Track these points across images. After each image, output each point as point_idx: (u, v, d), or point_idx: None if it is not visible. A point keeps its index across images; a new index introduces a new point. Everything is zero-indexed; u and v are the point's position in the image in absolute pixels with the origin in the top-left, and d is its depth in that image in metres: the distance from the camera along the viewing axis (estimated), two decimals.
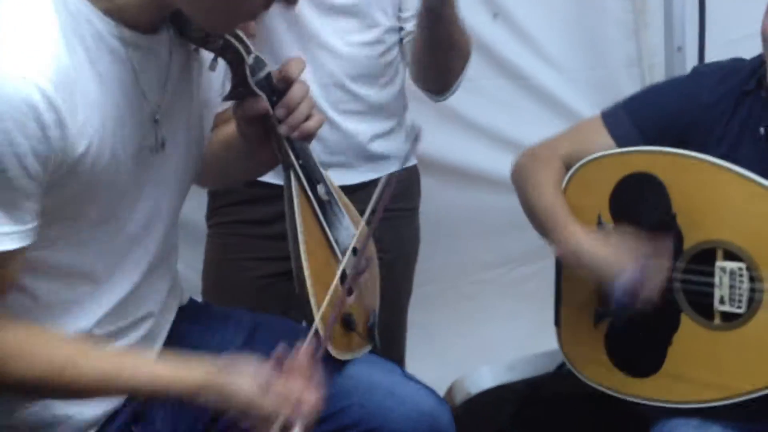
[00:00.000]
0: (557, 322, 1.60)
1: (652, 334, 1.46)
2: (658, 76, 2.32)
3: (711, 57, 2.09)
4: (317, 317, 1.15)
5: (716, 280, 1.40)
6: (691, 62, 2.19)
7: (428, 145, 2.14)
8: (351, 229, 1.26)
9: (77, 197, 1.04)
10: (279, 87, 1.17)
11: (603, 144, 1.53)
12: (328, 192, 1.25)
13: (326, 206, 1.24)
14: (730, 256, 1.40)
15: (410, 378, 1.31)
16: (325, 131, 1.48)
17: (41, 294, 1.08)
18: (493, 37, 2.26)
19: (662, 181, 1.45)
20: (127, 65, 1.06)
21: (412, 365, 1.84)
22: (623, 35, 2.43)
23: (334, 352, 1.21)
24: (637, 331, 1.47)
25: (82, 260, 1.09)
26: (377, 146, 1.67)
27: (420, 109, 1.82)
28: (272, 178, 1.49)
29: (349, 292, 1.25)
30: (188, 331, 1.29)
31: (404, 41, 1.66)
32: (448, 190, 2.14)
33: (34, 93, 0.93)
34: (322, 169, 1.25)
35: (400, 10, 1.63)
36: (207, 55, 1.17)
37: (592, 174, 1.53)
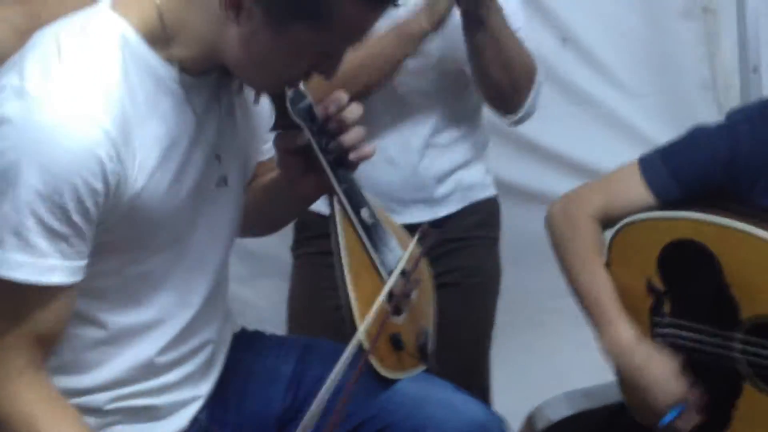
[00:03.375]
0: None
1: (714, 401, 1.44)
2: (734, 98, 2.28)
3: None
4: (361, 329, 1.17)
5: None
6: (767, 83, 2.15)
7: (502, 171, 2.16)
8: (398, 251, 1.27)
9: (137, 231, 1.07)
10: (332, 128, 1.19)
11: (639, 197, 1.49)
12: (373, 215, 1.26)
13: (371, 229, 1.25)
14: None
15: (461, 391, 1.30)
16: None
17: (108, 322, 1.11)
18: (562, 63, 2.26)
19: (711, 251, 1.41)
20: (187, 108, 1.09)
21: (490, 393, 1.84)
22: (696, 58, 2.41)
23: (383, 371, 1.22)
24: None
25: (140, 290, 1.12)
26: (461, 176, 1.68)
27: (491, 134, 1.82)
28: None
29: (398, 312, 1.26)
30: (243, 357, 1.32)
31: None
32: (519, 217, 2.12)
33: (96, 132, 0.97)
34: (365, 194, 1.27)
35: None
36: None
37: (636, 236, 1.50)
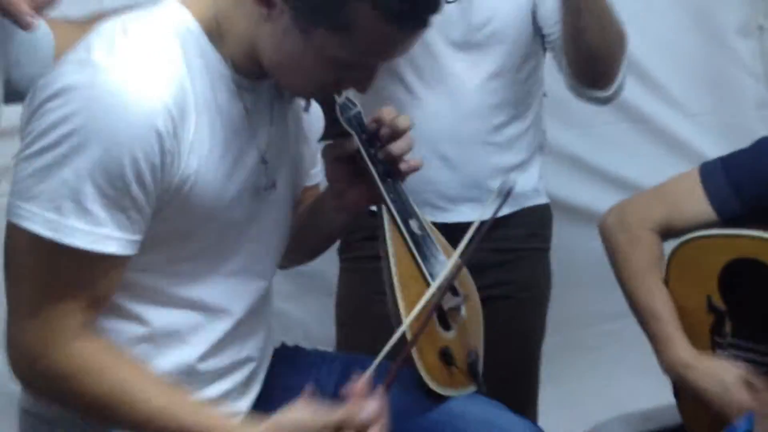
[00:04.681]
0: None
1: None
2: None
3: None
4: (406, 321, 1.15)
5: None
6: None
7: (556, 189, 2.14)
8: (447, 264, 1.26)
9: (188, 221, 1.08)
10: (384, 134, 1.21)
11: (698, 208, 1.45)
12: (421, 227, 1.26)
13: (419, 240, 1.24)
14: None
15: (509, 410, 1.27)
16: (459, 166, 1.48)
17: (152, 320, 1.10)
18: None
19: None
20: (241, 107, 1.12)
21: (544, 419, 1.80)
22: (752, 77, 2.37)
23: (433, 385, 1.21)
24: None
25: (188, 291, 1.12)
26: (515, 178, 1.62)
27: (551, 156, 1.80)
28: None
29: (446, 327, 1.25)
30: (283, 373, 1.31)
31: (549, 47, 1.61)
32: (573, 236, 2.10)
33: (157, 104, 0.99)
34: (414, 206, 1.27)
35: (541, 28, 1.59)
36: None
37: (696, 253, 1.47)
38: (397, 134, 1.21)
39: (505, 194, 1.25)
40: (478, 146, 1.59)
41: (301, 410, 1.05)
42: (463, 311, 1.29)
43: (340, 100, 1.19)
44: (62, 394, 1.04)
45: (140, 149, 0.98)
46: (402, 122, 1.21)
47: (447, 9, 1.49)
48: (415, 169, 1.24)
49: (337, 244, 1.75)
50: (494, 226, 1.57)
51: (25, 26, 0.95)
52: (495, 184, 1.59)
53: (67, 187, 0.98)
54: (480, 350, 1.32)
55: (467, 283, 1.33)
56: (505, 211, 1.62)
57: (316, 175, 1.37)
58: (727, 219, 1.44)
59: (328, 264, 1.79)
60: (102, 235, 1.00)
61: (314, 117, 1.27)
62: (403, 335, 1.16)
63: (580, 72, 1.54)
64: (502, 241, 1.63)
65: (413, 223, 1.25)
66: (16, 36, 1.06)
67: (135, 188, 1.00)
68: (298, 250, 1.37)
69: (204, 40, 1.08)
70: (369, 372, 1.09)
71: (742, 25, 2.36)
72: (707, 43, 2.33)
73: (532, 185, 1.68)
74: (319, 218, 1.33)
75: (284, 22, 1.04)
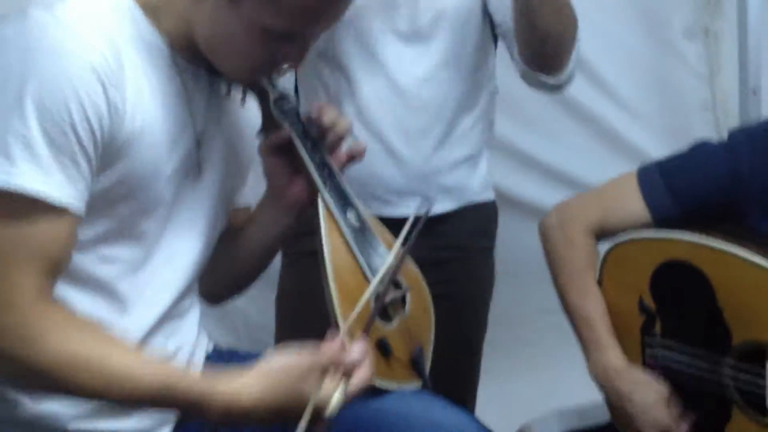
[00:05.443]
0: None
1: (704, 424, 1.42)
2: (733, 119, 2.28)
3: None
4: (343, 328, 1.14)
5: None
6: (766, 106, 2.16)
7: (501, 184, 2.15)
8: (387, 256, 1.25)
9: (115, 190, 1.06)
10: (322, 121, 1.22)
11: (636, 212, 1.46)
12: (360, 219, 1.25)
13: (357, 232, 1.24)
14: None
15: (454, 407, 1.26)
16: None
17: (74, 305, 1.07)
18: None
19: (705, 274, 1.39)
20: (178, 81, 1.11)
21: (477, 409, 1.82)
22: (697, 79, 2.41)
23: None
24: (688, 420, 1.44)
25: (107, 273, 1.10)
26: (463, 173, 1.63)
27: (492, 149, 1.81)
28: None
29: (387, 317, 1.24)
30: None
31: (500, 35, 1.59)
32: (515, 231, 2.12)
33: (96, 55, 0.99)
34: (354, 197, 1.26)
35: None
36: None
37: (630, 254, 1.48)
38: (335, 124, 1.21)
39: (421, 220, 1.23)
40: (425, 139, 1.57)
41: (286, 354, 1.04)
42: (408, 305, 1.28)
43: (274, 93, 1.20)
44: (25, 364, 0.99)
45: (84, 92, 0.98)
46: (336, 114, 1.22)
47: None
48: (358, 153, 1.24)
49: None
50: (439, 222, 1.58)
51: None
52: (443, 178, 1.60)
53: (15, 134, 0.96)
54: (428, 346, 1.32)
55: (414, 277, 1.32)
56: (451, 206, 1.63)
57: (246, 196, 1.35)
58: (662, 221, 1.46)
59: None
60: (54, 182, 0.98)
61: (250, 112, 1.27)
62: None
63: (532, 53, 1.52)
64: (447, 238, 1.62)
65: (351, 215, 1.24)
66: None
67: (82, 133, 0.98)
68: (236, 275, 1.33)
69: (140, 16, 1.08)
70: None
71: (688, 28, 2.40)
72: (654, 45, 2.36)
73: (479, 181, 1.67)
74: (256, 230, 1.31)
75: None
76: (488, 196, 1.71)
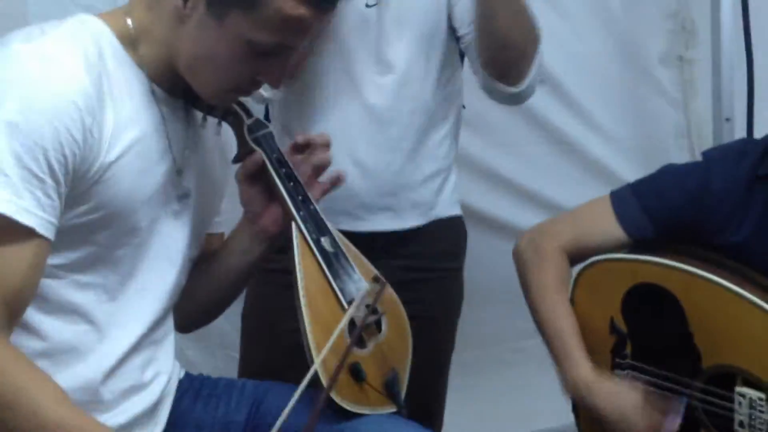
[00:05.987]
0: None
1: None
2: (707, 146, 2.30)
3: (760, 128, 2.08)
4: (317, 360, 1.15)
5: (736, 405, 1.36)
6: (739, 133, 2.18)
7: (475, 205, 2.15)
8: (361, 282, 1.26)
9: (91, 218, 1.06)
10: (301, 149, 1.25)
11: (610, 231, 1.48)
12: (334, 244, 1.26)
13: (330, 257, 1.25)
14: (749, 383, 1.35)
15: (418, 428, 1.25)
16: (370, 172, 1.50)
17: (48, 332, 1.07)
18: (540, 103, 2.27)
19: (676, 297, 1.41)
20: (158, 113, 1.12)
21: (444, 429, 1.81)
22: (672, 105, 2.44)
23: (342, 403, 1.19)
24: None
25: (82, 299, 1.10)
26: (432, 187, 1.64)
27: (467, 171, 1.82)
28: None
29: (361, 344, 1.24)
30: (191, 406, 1.27)
31: (464, 48, 1.60)
32: (490, 254, 2.12)
33: (76, 84, 1.01)
34: (328, 223, 1.27)
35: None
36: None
37: (602, 275, 1.50)
38: (314, 147, 1.24)
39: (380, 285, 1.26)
40: (394, 153, 1.57)
41: None
42: (383, 329, 1.28)
43: (248, 121, 1.23)
44: None
45: (59, 121, 0.98)
46: (319, 137, 1.24)
47: (363, 12, 1.50)
48: (339, 181, 1.26)
49: None
50: (408, 238, 1.58)
51: None
52: (412, 193, 1.61)
53: None
54: (403, 371, 1.31)
55: (392, 301, 1.33)
56: (420, 221, 1.63)
57: (220, 224, 1.37)
58: (637, 240, 1.47)
59: None
60: (22, 206, 0.97)
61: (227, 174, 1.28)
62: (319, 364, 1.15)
63: (491, 61, 1.53)
64: (414, 259, 1.62)
65: (325, 241, 1.25)
66: None
67: (53, 162, 0.98)
68: (209, 301, 1.34)
69: (119, 48, 1.09)
70: (281, 420, 1.07)
71: (664, 55, 2.42)
72: (630, 71, 2.39)
73: (447, 196, 1.67)
74: (230, 256, 1.31)
75: (198, 16, 1.06)
76: (455, 211, 1.71)
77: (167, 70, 1.12)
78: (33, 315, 1.05)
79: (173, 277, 1.21)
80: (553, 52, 2.27)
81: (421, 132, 1.60)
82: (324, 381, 1.15)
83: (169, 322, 1.25)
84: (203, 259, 1.32)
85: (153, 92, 1.12)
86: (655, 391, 1.43)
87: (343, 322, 1.18)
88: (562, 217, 1.57)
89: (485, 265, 2.04)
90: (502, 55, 1.51)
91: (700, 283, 1.39)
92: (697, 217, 1.43)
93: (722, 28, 2.18)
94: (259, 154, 1.23)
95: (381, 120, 1.56)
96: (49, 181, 0.99)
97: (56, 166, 0.99)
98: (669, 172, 1.50)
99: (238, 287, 1.38)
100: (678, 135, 2.41)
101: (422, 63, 1.57)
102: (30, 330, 1.06)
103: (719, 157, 1.46)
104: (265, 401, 1.28)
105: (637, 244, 1.48)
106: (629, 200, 1.48)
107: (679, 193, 1.45)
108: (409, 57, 1.55)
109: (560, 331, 1.46)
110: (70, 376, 1.08)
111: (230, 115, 1.25)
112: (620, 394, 1.41)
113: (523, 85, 1.54)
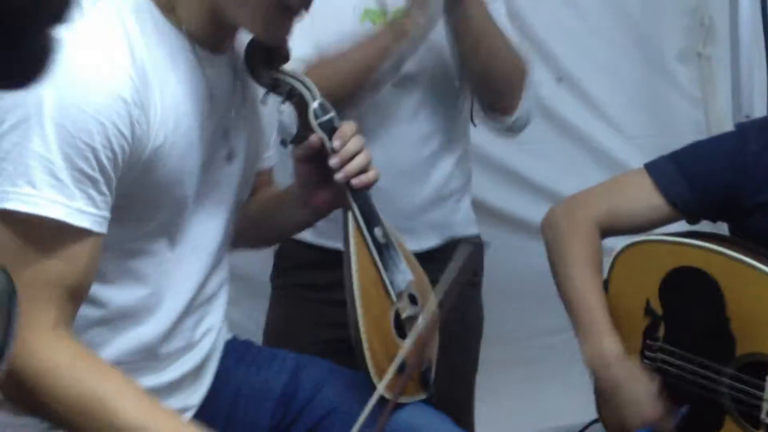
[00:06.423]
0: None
1: (693, 429, 1.43)
2: None
3: None
4: (380, 386, 1.17)
5: (766, 394, 1.35)
6: None
7: (496, 204, 2.15)
8: (408, 274, 1.28)
9: (147, 196, 1.07)
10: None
11: (646, 199, 1.47)
12: (386, 236, 1.27)
13: (383, 248, 1.26)
14: None
15: (454, 424, 1.27)
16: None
17: (106, 300, 1.08)
18: (557, 100, 2.28)
19: (717, 282, 1.40)
20: (203, 78, 1.12)
21: (479, 429, 1.82)
22: (690, 103, 2.44)
23: (386, 393, 1.20)
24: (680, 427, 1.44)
25: (138, 265, 1.11)
26: (449, 208, 1.65)
27: (483, 168, 1.82)
28: (336, 243, 1.49)
29: (402, 335, 1.26)
30: (234, 367, 1.30)
31: None
32: (513, 251, 2.13)
33: (121, 75, 0.99)
34: (380, 214, 1.27)
35: None
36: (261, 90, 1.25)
37: (641, 256, 1.49)
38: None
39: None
40: (410, 176, 1.59)
41: None
42: (421, 321, 1.29)
43: (314, 104, 1.20)
44: (31, 397, 0.99)
45: (107, 117, 0.97)
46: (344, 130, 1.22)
47: None
48: (370, 183, 1.24)
49: (270, 270, 1.75)
50: (425, 259, 1.59)
51: None
52: (427, 215, 1.62)
53: (37, 157, 0.95)
54: (434, 359, 1.34)
55: (428, 294, 1.33)
56: (436, 241, 1.64)
57: (270, 158, 1.38)
58: (676, 205, 1.46)
59: (267, 270, 1.79)
60: (75, 208, 0.97)
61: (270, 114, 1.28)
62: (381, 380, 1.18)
63: (478, 92, 1.56)
64: (434, 276, 1.63)
65: (378, 231, 1.25)
66: None
67: (106, 161, 0.98)
68: (249, 237, 1.37)
69: (157, 14, 1.08)
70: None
71: (681, 52, 2.42)
72: (648, 68, 2.39)
73: (463, 216, 1.69)
74: (279, 212, 1.34)
75: None
76: (473, 230, 1.72)
77: (208, 23, 1.10)
78: (93, 287, 1.06)
79: (221, 235, 1.22)
80: (571, 50, 2.29)
81: (435, 155, 1.61)
82: (375, 380, 1.19)
83: (222, 274, 1.26)
84: (252, 196, 1.34)
85: (195, 53, 1.10)
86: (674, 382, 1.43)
87: (407, 344, 1.21)
88: (597, 187, 1.55)
89: (500, 261, 2.05)
90: (486, 86, 1.54)
91: (742, 269, 1.38)
92: (736, 177, 1.43)
93: (741, 24, 2.18)
94: (318, 137, 1.21)
95: (397, 143, 1.56)
96: (100, 178, 0.99)
97: (106, 162, 0.99)
98: (703, 141, 1.51)
99: (284, 236, 1.45)
100: (697, 132, 2.40)
101: (434, 88, 1.58)
102: (88, 299, 1.06)
103: (753, 125, 1.48)
104: (303, 373, 1.30)
105: (678, 208, 1.47)
106: (667, 167, 1.48)
107: (718, 156, 1.45)
108: (423, 84, 1.56)
109: (589, 301, 1.45)
110: (128, 339, 1.11)
111: (295, 96, 1.21)
112: (641, 377, 1.41)
113: (512, 117, 1.56)
